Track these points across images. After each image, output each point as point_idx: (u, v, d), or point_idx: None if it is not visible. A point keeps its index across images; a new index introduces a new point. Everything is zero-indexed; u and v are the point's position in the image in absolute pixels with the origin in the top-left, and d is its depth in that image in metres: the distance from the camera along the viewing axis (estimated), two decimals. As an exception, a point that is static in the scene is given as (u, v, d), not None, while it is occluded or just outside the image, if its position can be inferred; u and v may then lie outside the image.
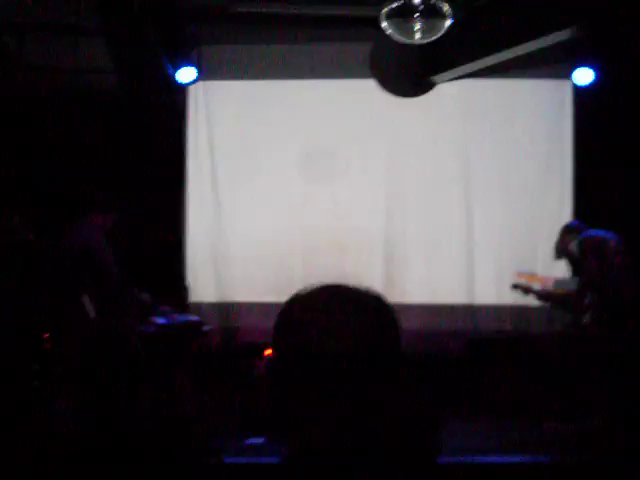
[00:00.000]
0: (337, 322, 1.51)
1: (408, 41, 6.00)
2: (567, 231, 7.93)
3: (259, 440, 6.88)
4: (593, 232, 7.77)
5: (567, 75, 8.62)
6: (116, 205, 7.71)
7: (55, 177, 8.48)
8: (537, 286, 8.14)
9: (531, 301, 8.55)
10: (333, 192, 8.85)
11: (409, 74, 8.59)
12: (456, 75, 8.42)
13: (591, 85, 8.43)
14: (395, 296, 8.63)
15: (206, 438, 6.97)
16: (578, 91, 8.72)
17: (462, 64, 7.97)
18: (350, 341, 1.49)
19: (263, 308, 8.40)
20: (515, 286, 8.19)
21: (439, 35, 5.90)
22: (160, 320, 7.58)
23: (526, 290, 8.17)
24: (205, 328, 8.04)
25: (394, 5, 5.66)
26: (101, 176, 8.49)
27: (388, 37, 6.12)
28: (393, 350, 1.55)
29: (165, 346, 7.47)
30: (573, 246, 7.80)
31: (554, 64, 8.64)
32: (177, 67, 8.08)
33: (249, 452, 6.61)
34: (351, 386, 1.48)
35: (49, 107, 8.51)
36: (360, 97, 8.75)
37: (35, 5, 7.01)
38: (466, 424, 7.68)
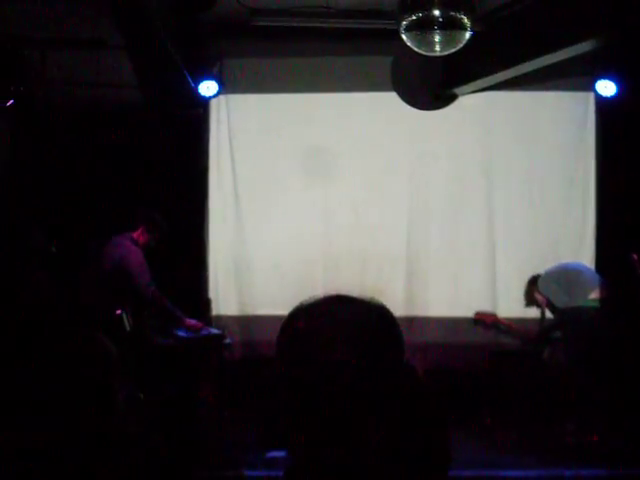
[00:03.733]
0: (340, 332, 1.50)
1: (428, 53, 5.98)
2: (532, 282, 8.15)
3: (280, 453, 6.87)
4: (554, 268, 7.96)
5: (590, 87, 8.59)
6: (159, 223, 7.77)
7: (77, 190, 8.55)
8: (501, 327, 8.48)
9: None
10: (355, 206, 8.84)
11: (431, 87, 8.57)
12: (478, 87, 8.38)
13: (614, 97, 8.38)
14: (417, 310, 8.64)
15: (227, 450, 6.97)
16: (601, 103, 8.68)
17: (484, 76, 7.94)
18: (353, 351, 1.48)
19: (285, 322, 8.38)
20: (476, 322, 8.51)
21: (459, 47, 5.87)
22: (181, 333, 7.61)
23: (487, 325, 8.49)
24: (226, 341, 8.06)
25: (413, 17, 5.66)
26: (124, 191, 8.55)
27: (409, 50, 6.10)
28: (396, 360, 1.54)
29: (187, 359, 7.49)
30: (540, 294, 8.06)
31: (577, 76, 8.61)
32: (199, 81, 8.10)
33: (270, 465, 6.60)
34: (353, 396, 1.46)
35: (71, 122, 8.57)
36: (382, 110, 8.74)
37: (56, 20, 7.06)
38: (489, 437, 7.66)
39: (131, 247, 7.58)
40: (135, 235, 7.69)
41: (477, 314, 8.49)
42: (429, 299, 8.82)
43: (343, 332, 1.50)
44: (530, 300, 8.33)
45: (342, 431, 1.47)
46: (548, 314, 8.23)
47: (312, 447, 1.49)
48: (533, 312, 8.45)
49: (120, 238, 7.67)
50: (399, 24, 5.82)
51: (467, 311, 8.70)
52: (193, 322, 7.72)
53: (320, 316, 1.54)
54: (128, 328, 7.33)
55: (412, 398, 1.54)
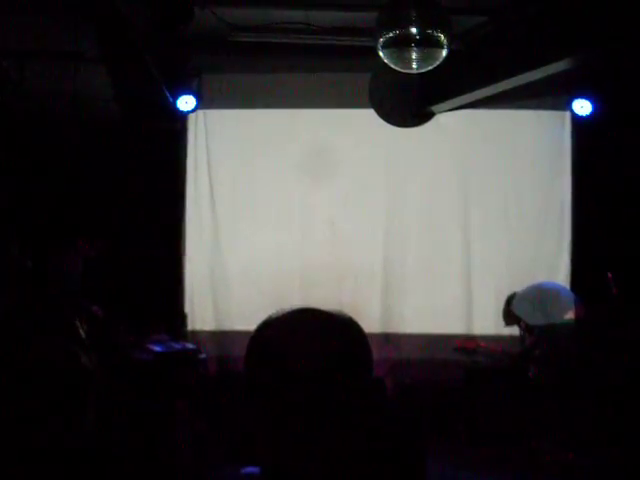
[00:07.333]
0: (307, 344, 1.50)
1: (405, 70, 5.99)
2: (508, 302, 8.18)
3: (255, 469, 6.82)
4: (526, 289, 7.97)
5: (566, 106, 8.65)
6: (101, 230, 7.75)
7: (54, 203, 8.51)
8: (481, 350, 8.40)
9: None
10: (331, 222, 8.85)
11: (408, 104, 8.59)
12: (455, 105, 8.42)
13: (590, 116, 8.43)
14: (393, 326, 8.65)
15: (202, 466, 6.93)
16: (577, 122, 8.74)
17: (461, 94, 7.98)
18: (320, 362, 1.48)
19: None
20: (457, 349, 8.44)
21: (436, 65, 5.89)
22: (157, 348, 7.57)
23: (469, 351, 8.44)
24: (202, 356, 8.03)
25: (391, 35, 5.67)
26: (100, 202, 8.52)
27: (387, 67, 6.11)
28: (363, 372, 1.54)
29: (162, 374, 7.45)
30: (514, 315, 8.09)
31: (553, 95, 8.66)
32: (177, 95, 8.09)
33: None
34: (320, 407, 1.47)
35: (49, 134, 8.54)
36: (359, 127, 8.78)
37: (35, 32, 7.05)
38: (464, 454, 7.65)
39: (71, 255, 7.58)
40: (79, 243, 7.68)
41: (457, 341, 8.47)
42: (405, 315, 8.83)
43: (309, 343, 1.50)
44: (508, 319, 8.33)
45: (308, 443, 1.47)
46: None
47: (280, 459, 1.49)
48: (508, 329, 8.46)
49: (65, 246, 7.68)
50: (376, 41, 5.83)
51: (443, 327, 8.72)
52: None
53: (287, 328, 1.55)
54: (83, 336, 7.30)
55: (379, 411, 1.54)
